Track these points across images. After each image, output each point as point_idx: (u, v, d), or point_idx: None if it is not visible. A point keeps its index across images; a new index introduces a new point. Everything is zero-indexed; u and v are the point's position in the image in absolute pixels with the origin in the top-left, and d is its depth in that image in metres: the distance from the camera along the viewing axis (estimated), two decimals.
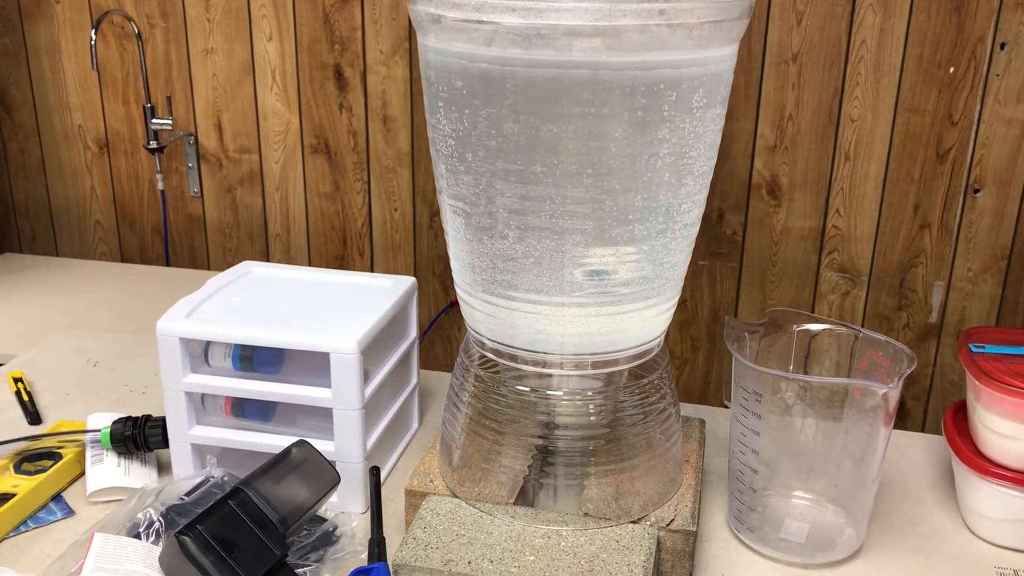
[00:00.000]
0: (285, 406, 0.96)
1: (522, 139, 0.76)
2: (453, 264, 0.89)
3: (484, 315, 0.87)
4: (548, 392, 0.88)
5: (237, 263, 1.92)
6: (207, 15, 1.79)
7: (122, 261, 1.98)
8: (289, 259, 1.92)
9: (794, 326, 0.97)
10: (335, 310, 0.97)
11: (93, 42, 1.66)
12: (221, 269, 1.90)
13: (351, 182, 1.84)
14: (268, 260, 1.92)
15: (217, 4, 1.78)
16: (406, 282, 1.03)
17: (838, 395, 0.90)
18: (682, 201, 0.82)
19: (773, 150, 1.64)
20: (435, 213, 1.83)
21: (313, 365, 0.92)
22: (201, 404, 0.96)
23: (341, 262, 1.90)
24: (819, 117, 1.60)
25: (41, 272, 1.85)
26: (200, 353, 0.94)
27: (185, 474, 0.96)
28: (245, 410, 0.96)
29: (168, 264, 1.96)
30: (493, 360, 0.89)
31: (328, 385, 0.91)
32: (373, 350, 0.94)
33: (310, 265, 1.92)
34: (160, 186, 1.89)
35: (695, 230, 0.87)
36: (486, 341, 0.88)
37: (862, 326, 1.71)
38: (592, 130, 0.75)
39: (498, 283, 0.84)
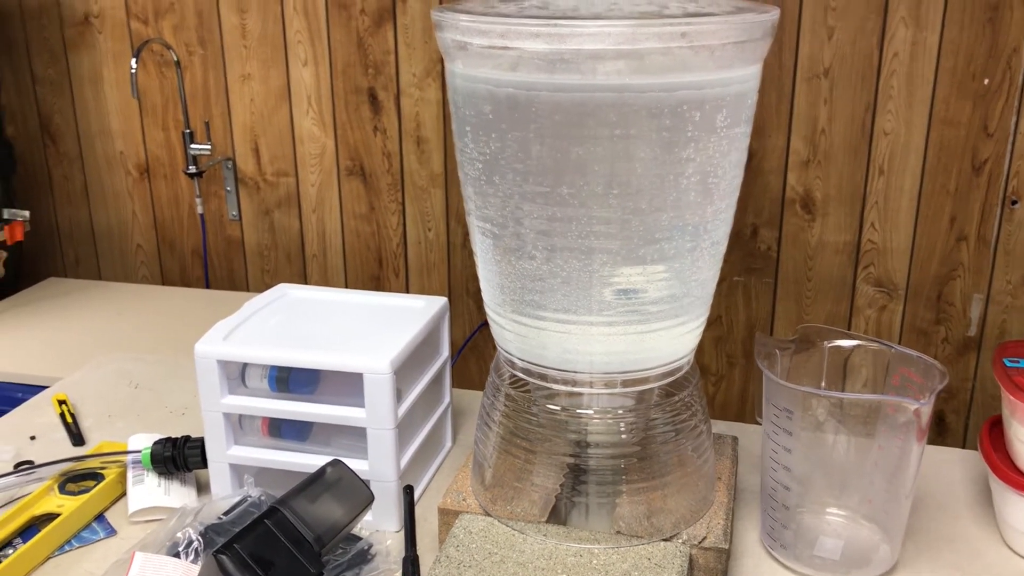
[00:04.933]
0: (320, 426, 0.97)
1: (548, 161, 0.77)
2: (483, 284, 0.90)
3: (514, 335, 0.88)
4: (579, 411, 0.89)
5: (275, 285, 1.95)
6: (244, 42, 1.83)
7: (163, 284, 2.02)
8: (326, 280, 1.94)
9: (825, 342, 0.96)
10: (369, 331, 0.98)
11: (134, 71, 1.71)
12: (260, 291, 1.93)
13: (386, 203, 1.87)
14: (305, 281, 1.95)
15: (253, 31, 1.82)
16: (438, 302, 1.04)
17: (870, 411, 0.89)
18: (709, 219, 0.82)
19: (806, 165, 1.63)
20: (468, 233, 1.84)
21: (347, 385, 0.93)
22: (239, 425, 0.98)
23: (377, 282, 1.92)
24: (852, 131, 1.59)
25: (84, 296, 1.89)
26: (237, 375, 0.96)
27: (223, 493, 0.98)
28: (281, 430, 0.97)
29: (208, 286, 1.99)
30: (523, 379, 0.89)
31: (362, 405, 0.92)
32: (406, 370, 0.95)
33: (347, 286, 1.95)
34: (199, 210, 1.93)
35: (723, 247, 0.87)
36: (516, 361, 0.89)
37: (899, 340, 1.70)
38: (618, 151, 0.76)
39: (527, 303, 0.85)
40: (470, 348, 1.90)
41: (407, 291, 1.89)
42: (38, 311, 1.80)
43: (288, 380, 0.95)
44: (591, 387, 0.88)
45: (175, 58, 1.83)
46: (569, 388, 0.88)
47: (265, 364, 0.94)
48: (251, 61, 1.84)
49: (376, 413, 0.91)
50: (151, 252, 2.03)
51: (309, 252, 1.94)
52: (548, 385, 0.88)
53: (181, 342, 1.62)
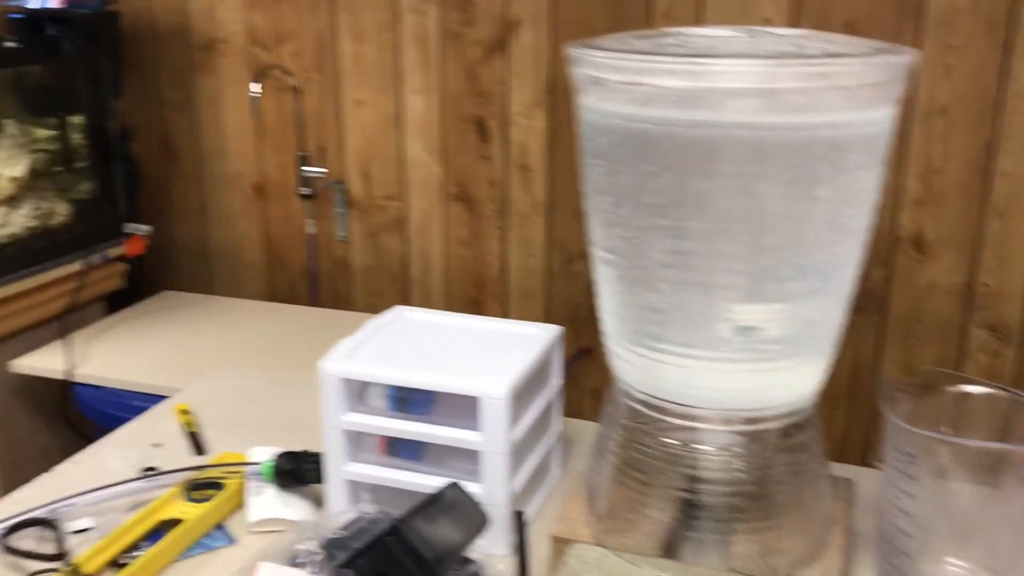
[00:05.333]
0: (435, 447, 0.99)
1: (677, 196, 0.78)
2: (602, 314, 0.91)
3: (632, 366, 0.89)
4: (695, 446, 0.89)
5: (378, 304, 2.00)
6: (359, 69, 1.89)
7: (271, 300, 2.09)
8: (427, 303, 1.98)
9: (949, 387, 0.94)
10: (485, 355, 1.00)
11: (254, 94, 1.78)
12: (363, 310, 1.98)
13: (489, 229, 1.90)
14: (407, 303, 1.99)
15: (369, 59, 1.87)
16: (552, 330, 1.05)
17: (996, 460, 0.87)
18: (837, 260, 0.82)
19: (919, 203, 1.60)
20: (569, 260, 1.86)
21: (463, 408, 0.95)
22: (356, 442, 1.01)
23: (476, 306, 1.95)
24: (968, 171, 1.56)
25: (197, 309, 1.96)
26: (359, 393, 0.99)
27: (339, 508, 1.00)
28: (397, 449, 1.00)
29: (314, 304, 2.05)
30: (640, 411, 0.90)
31: (477, 428, 0.94)
32: (521, 396, 0.97)
33: (447, 309, 1.98)
34: (310, 230, 1.99)
35: (849, 288, 0.87)
36: (633, 392, 0.90)
37: (1012, 386, 1.64)
38: (748, 188, 0.77)
39: (647, 335, 0.86)
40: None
41: (506, 317, 1.91)
42: (154, 323, 1.88)
43: (407, 400, 0.97)
44: (708, 423, 0.88)
45: (293, 83, 1.90)
46: (686, 423, 0.88)
47: (386, 384, 0.97)
48: (365, 88, 1.89)
49: (491, 437, 0.93)
50: (261, 269, 2.10)
51: (412, 274, 1.98)
52: (665, 418, 0.88)
53: (291, 357, 1.67)
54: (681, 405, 0.87)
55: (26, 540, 0.98)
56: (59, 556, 0.94)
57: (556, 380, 1.07)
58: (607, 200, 0.83)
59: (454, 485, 0.89)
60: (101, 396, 1.66)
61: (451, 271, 1.95)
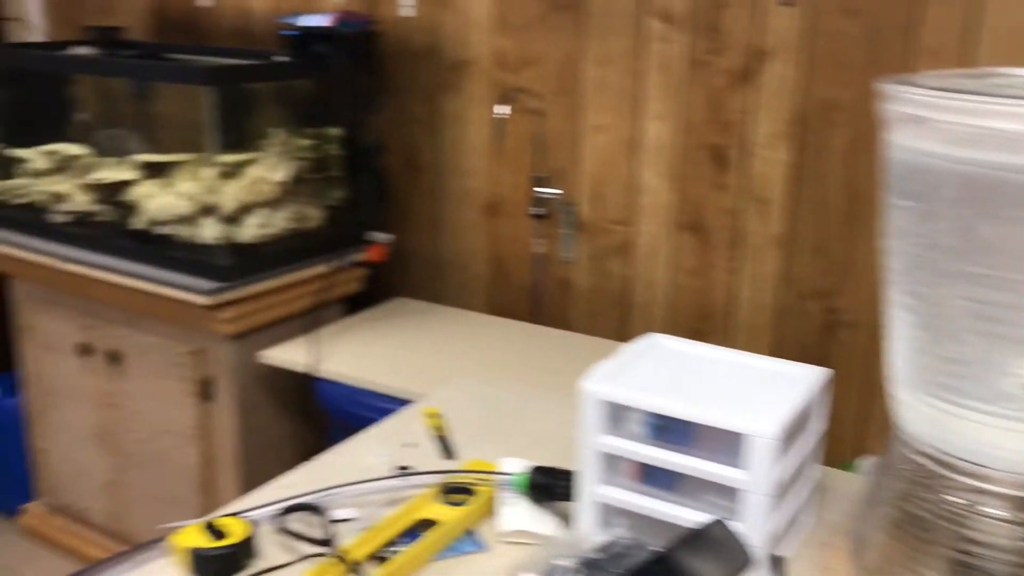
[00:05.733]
0: (688, 478, 0.98)
1: (997, 243, 0.74)
2: (892, 359, 0.87)
3: (921, 417, 0.84)
4: (981, 507, 0.84)
5: (597, 327, 2.01)
6: (600, 94, 1.91)
7: (492, 313, 2.14)
8: (648, 329, 1.96)
9: None
10: (748, 392, 0.98)
11: (499, 116, 1.84)
12: (582, 332, 2.00)
13: (718, 260, 1.87)
14: (627, 328, 1.99)
15: (612, 84, 1.90)
16: (820, 373, 1.02)
17: None
18: None
19: None
20: (802, 298, 1.80)
21: (724, 443, 0.93)
22: (610, 465, 1.01)
23: (699, 338, 1.91)
24: None
25: (426, 317, 2.04)
26: (615, 417, 0.99)
27: (588, 530, 1.01)
28: (651, 477, 0.99)
29: (534, 321, 2.08)
30: (924, 465, 0.85)
31: (739, 465, 0.92)
32: (788, 437, 0.94)
33: None
34: (538, 249, 2.03)
35: None
36: (918, 444, 0.85)
37: None
38: None
39: (942, 386, 0.81)
40: None
41: None
42: (389, 326, 1.97)
43: (665, 429, 0.97)
44: (998, 485, 0.82)
45: (536, 106, 1.95)
46: (974, 482, 0.83)
47: (647, 410, 0.97)
48: (604, 112, 1.92)
49: (756, 476, 0.91)
50: (486, 284, 2.15)
51: (634, 300, 1.98)
52: (951, 475, 0.84)
53: (520, 371, 1.71)
54: (971, 463, 0.82)
55: (295, 523, 1.04)
56: (325, 542, 1.00)
57: (818, 424, 1.04)
58: (914, 242, 0.79)
59: (719, 523, 0.88)
60: (340, 392, 1.76)
61: (675, 300, 1.94)
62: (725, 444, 0.94)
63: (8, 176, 2.13)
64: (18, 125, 2.16)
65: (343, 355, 1.82)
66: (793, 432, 0.97)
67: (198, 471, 1.95)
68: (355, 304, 2.09)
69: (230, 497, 1.92)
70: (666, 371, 1.04)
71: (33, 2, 2.68)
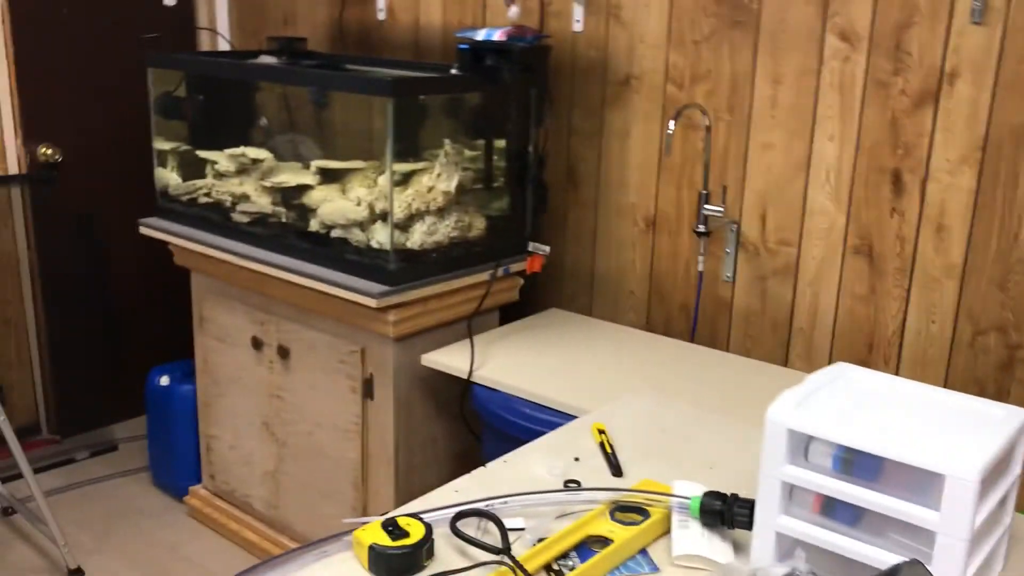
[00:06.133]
0: (873, 515, 0.95)
1: None
2: None
3: None
4: None
5: (754, 350, 1.97)
6: (772, 112, 1.88)
7: (646, 330, 2.13)
8: (809, 355, 1.92)
9: None
10: (942, 430, 0.95)
11: (670, 132, 1.83)
12: (739, 353, 1.96)
13: (889, 287, 1.80)
14: (787, 352, 1.94)
15: (784, 102, 1.86)
16: (1021, 414, 0.97)
17: None
18: None
19: None
20: (979, 332, 1.72)
21: (914, 482, 0.90)
22: (791, 495, 0.99)
23: (863, 366, 1.86)
24: None
25: (579, 329, 2.05)
26: (801, 447, 0.97)
27: (764, 560, 0.99)
28: (834, 511, 0.97)
29: (691, 340, 2.06)
30: None
31: (931, 506, 0.89)
32: (987, 479, 0.90)
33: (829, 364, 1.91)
34: (700, 267, 2.01)
35: None
36: None
37: None
38: None
39: None
40: None
41: None
42: (543, 337, 1.99)
43: (852, 463, 0.94)
44: None
45: (706, 123, 1.93)
46: None
47: (833, 442, 0.94)
48: (775, 131, 1.88)
49: (952, 520, 0.87)
50: (642, 299, 2.15)
51: (796, 324, 1.93)
52: None
53: (683, 390, 1.69)
54: None
55: (466, 527, 1.07)
56: (502, 550, 1.02)
57: (1017, 468, 0.99)
58: None
59: (915, 563, 0.85)
60: (495, 398, 1.78)
61: (840, 326, 1.88)
62: (915, 482, 0.91)
63: (196, 176, 2.26)
64: (207, 129, 2.30)
65: (499, 362, 1.85)
66: (993, 475, 0.93)
67: (355, 466, 2.02)
68: (507, 313, 2.12)
69: (383, 493, 1.99)
70: (854, 403, 1.01)
71: (222, 13, 2.84)
